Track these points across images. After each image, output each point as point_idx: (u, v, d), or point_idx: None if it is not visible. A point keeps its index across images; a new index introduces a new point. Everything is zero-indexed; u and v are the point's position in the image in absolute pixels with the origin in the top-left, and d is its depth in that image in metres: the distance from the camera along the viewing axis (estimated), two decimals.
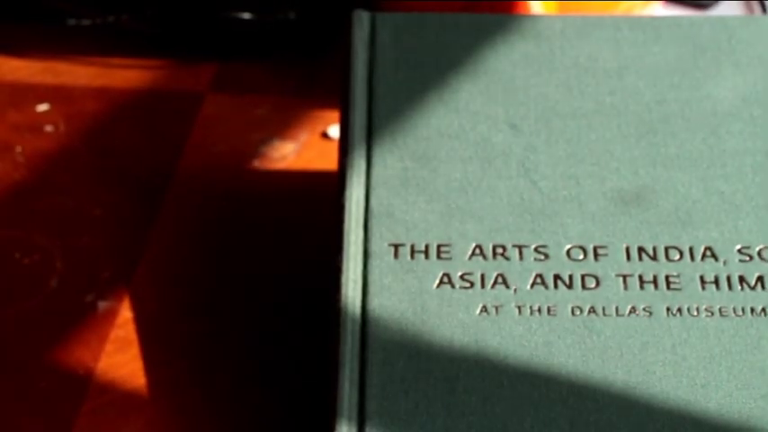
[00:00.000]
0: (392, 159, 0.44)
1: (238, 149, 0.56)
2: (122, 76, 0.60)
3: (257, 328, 0.48)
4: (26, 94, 0.59)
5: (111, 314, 0.49)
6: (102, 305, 0.49)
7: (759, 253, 0.42)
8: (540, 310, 0.40)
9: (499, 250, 0.42)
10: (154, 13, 0.60)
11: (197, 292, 0.50)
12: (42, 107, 0.58)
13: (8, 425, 0.45)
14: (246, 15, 0.59)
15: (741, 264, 0.41)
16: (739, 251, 0.42)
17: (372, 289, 0.41)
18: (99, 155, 0.56)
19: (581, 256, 0.42)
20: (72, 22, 0.61)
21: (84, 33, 0.61)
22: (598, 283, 0.41)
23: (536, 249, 0.42)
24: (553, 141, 0.45)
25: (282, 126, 0.57)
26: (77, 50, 0.61)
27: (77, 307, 0.49)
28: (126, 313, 0.49)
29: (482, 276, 0.41)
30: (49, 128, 0.57)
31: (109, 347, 0.48)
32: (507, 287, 0.41)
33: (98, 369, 0.47)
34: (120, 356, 0.47)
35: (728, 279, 0.41)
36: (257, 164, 0.55)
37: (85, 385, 0.46)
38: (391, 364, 0.39)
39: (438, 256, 0.42)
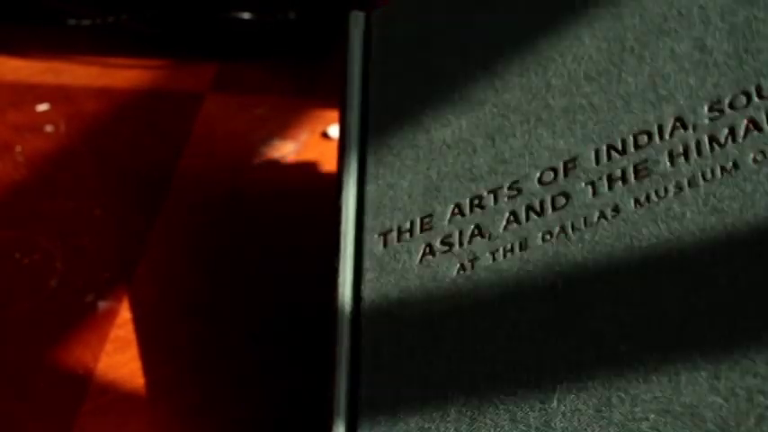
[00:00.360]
0: (384, 154, 0.44)
1: (238, 149, 0.56)
2: (123, 76, 0.60)
3: (257, 328, 0.48)
4: (26, 94, 0.59)
5: (111, 314, 0.49)
6: (102, 305, 0.49)
7: (730, 104, 0.40)
8: (512, 249, 0.40)
9: (476, 201, 0.42)
10: (154, 13, 0.60)
11: (197, 292, 0.50)
12: (42, 107, 0.58)
13: (8, 425, 0.45)
14: (246, 15, 0.59)
15: (712, 123, 0.39)
16: (710, 109, 0.40)
17: (364, 286, 0.41)
18: (99, 155, 0.56)
19: (551, 177, 0.41)
20: (72, 22, 0.61)
21: (84, 33, 0.61)
22: (568, 200, 0.40)
23: (509, 188, 0.41)
24: (525, 70, 0.44)
25: (282, 126, 0.57)
26: (77, 50, 0.61)
27: (77, 307, 0.49)
28: (126, 313, 0.49)
29: (460, 234, 0.41)
30: (49, 128, 0.57)
31: (109, 347, 0.48)
32: (482, 237, 0.40)
33: (98, 369, 0.47)
34: (120, 356, 0.47)
35: (698, 145, 0.39)
36: (257, 164, 0.55)
37: (85, 385, 0.46)
38: (380, 355, 0.39)
39: (422, 230, 0.42)
